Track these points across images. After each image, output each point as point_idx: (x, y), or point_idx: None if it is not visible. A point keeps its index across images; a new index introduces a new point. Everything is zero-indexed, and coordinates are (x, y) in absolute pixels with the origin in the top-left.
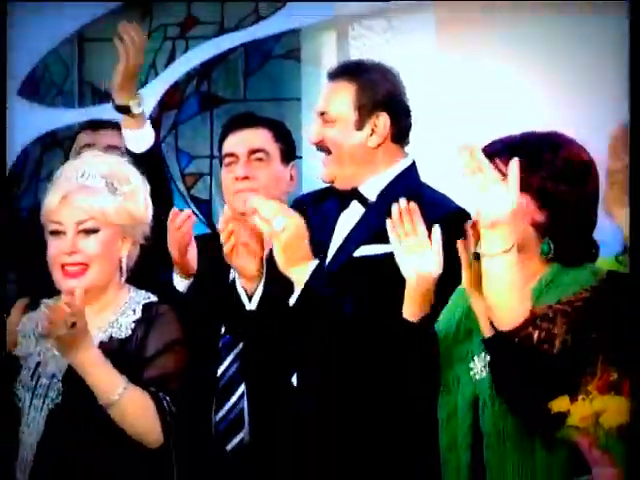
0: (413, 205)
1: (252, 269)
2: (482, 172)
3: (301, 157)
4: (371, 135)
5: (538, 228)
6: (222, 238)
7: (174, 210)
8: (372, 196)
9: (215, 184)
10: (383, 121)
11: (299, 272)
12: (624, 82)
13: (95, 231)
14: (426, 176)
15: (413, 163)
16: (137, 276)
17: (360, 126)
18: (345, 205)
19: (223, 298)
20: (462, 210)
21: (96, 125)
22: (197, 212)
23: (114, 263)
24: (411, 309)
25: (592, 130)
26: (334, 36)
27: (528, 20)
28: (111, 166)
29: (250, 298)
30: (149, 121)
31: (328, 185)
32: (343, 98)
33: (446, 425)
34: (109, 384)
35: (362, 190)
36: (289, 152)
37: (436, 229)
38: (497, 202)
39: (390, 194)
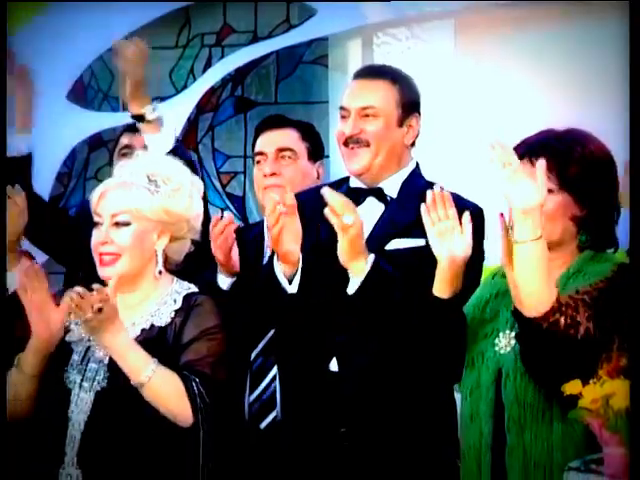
0: (446, 193)
1: (296, 254)
2: (512, 165)
3: (328, 156)
4: (407, 133)
5: (576, 221)
6: (269, 222)
7: (215, 216)
8: (391, 193)
9: (249, 182)
10: (417, 121)
11: (359, 264)
12: (624, 82)
13: (127, 224)
14: (431, 176)
15: (417, 164)
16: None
17: (401, 123)
18: (358, 201)
19: (261, 285)
20: (480, 208)
21: (136, 128)
22: (231, 207)
23: (147, 255)
24: (442, 287)
25: (592, 130)
26: (359, 43)
27: (527, 21)
28: (158, 165)
29: (290, 282)
30: (167, 125)
31: (328, 182)
32: (387, 95)
33: (469, 397)
34: (138, 366)
35: (383, 186)
36: (316, 151)
37: (466, 215)
38: (527, 192)
39: (407, 191)
